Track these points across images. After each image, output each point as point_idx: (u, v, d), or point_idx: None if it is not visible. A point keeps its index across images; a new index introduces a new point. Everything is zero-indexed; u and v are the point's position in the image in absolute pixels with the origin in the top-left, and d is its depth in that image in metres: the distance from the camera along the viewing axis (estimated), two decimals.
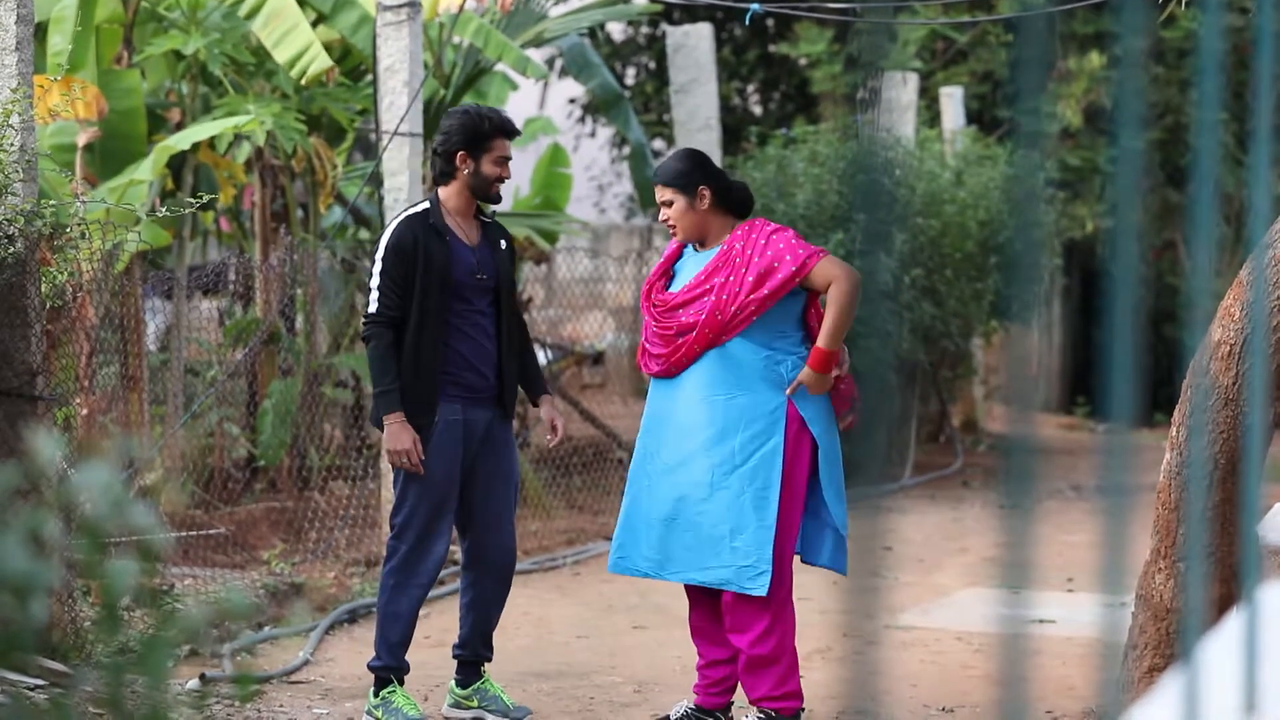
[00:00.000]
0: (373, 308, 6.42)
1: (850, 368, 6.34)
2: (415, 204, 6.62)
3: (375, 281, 6.43)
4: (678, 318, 6.30)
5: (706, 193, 6.32)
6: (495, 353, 6.54)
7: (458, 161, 6.49)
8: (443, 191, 6.55)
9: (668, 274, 6.47)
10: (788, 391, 6.21)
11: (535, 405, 6.81)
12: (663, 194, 6.36)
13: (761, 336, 6.24)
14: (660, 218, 6.42)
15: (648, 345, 6.43)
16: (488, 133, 6.48)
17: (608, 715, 6.80)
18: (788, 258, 6.18)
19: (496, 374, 6.54)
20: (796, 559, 6.39)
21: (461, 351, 6.46)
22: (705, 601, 6.42)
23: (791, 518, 6.23)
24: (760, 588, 6.17)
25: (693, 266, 6.39)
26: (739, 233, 6.31)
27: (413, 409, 6.39)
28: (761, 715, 6.31)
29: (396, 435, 6.36)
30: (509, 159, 6.56)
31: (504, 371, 6.55)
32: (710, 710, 6.47)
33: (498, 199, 6.58)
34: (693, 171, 6.35)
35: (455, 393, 6.46)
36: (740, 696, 6.49)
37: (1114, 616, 2.48)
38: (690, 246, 6.45)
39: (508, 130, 6.54)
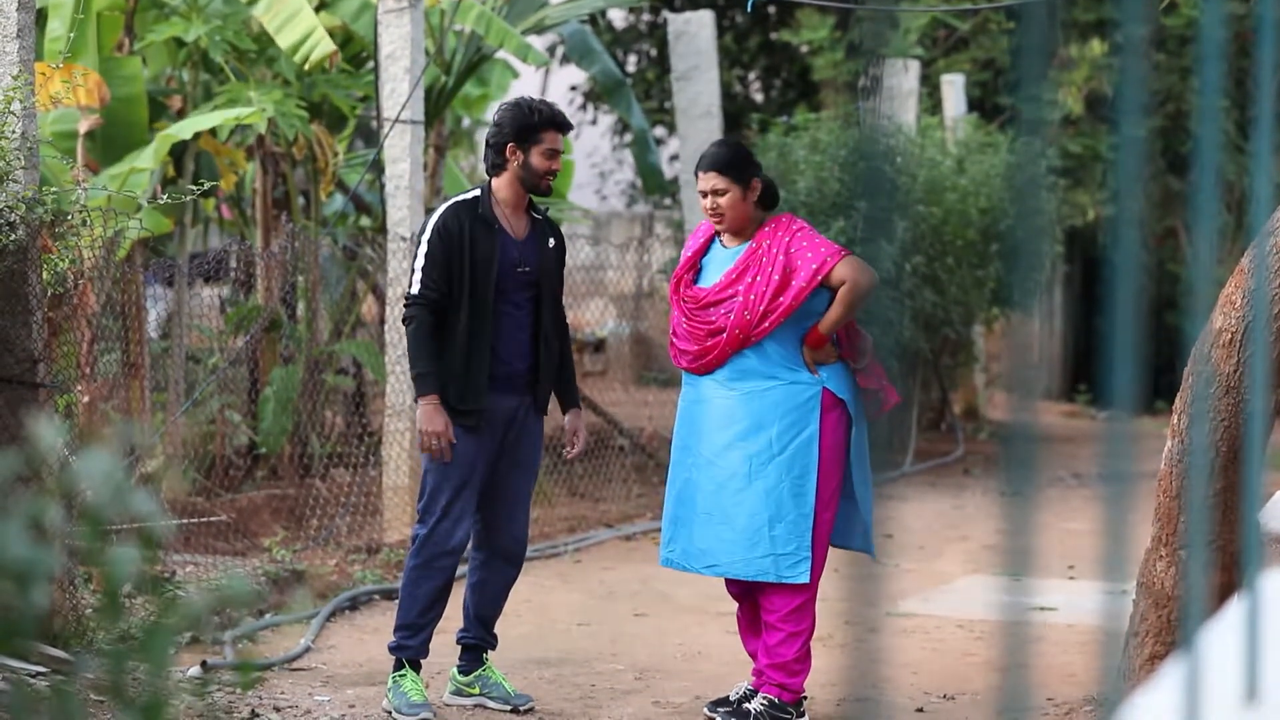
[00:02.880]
0: (415, 289, 6.45)
1: (869, 359, 6.37)
2: (465, 191, 6.64)
3: (419, 263, 6.46)
4: (708, 316, 6.31)
5: (759, 185, 6.33)
6: (529, 344, 6.55)
7: (508, 153, 6.51)
8: (494, 183, 6.57)
9: (695, 267, 6.47)
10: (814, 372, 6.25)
11: (563, 414, 6.82)
12: (714, 182, 6.31)
13: (792, 333, 6.27)
14: (707, 206, 6.35)
15: (676, 340, 6.44)
16: (537, 125, 6.49)
17: (609, 702, 6.81)
18: (809, 256, 6.20)
19: (530, 366, 6.56)
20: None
21: (492, 341, 6.48)
22: (747, 599, 6.44)
23: (829, 504, 6.25)
24: (801, 575, 6.22)
25: (721, 262, 6.39)
26: (767, 229, 6.32)
27: (463, 399, 6.43)
28: (764, 700, 6.32)
29: (430, 417, 6.39)
30: (559, 152, 6.56)
31: (539, 365, 6.56)
32: None
33: (548, 191, 6.58)
34: (747, 162, 6.35)
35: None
36: (808, 689, 6.46)
37: (1115, 604, 2.49)
38: (718, 240, 6.44)
39: (558, 123, 6.54)
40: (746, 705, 6.38)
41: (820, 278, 6.18)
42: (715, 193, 6.32)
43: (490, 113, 16.28)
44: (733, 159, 6.34)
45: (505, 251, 6.50)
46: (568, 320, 6.84)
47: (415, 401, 6.50)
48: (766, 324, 6.23)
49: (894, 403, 6.44)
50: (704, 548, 6.35)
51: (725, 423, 6.31)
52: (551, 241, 6.64)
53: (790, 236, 6.27)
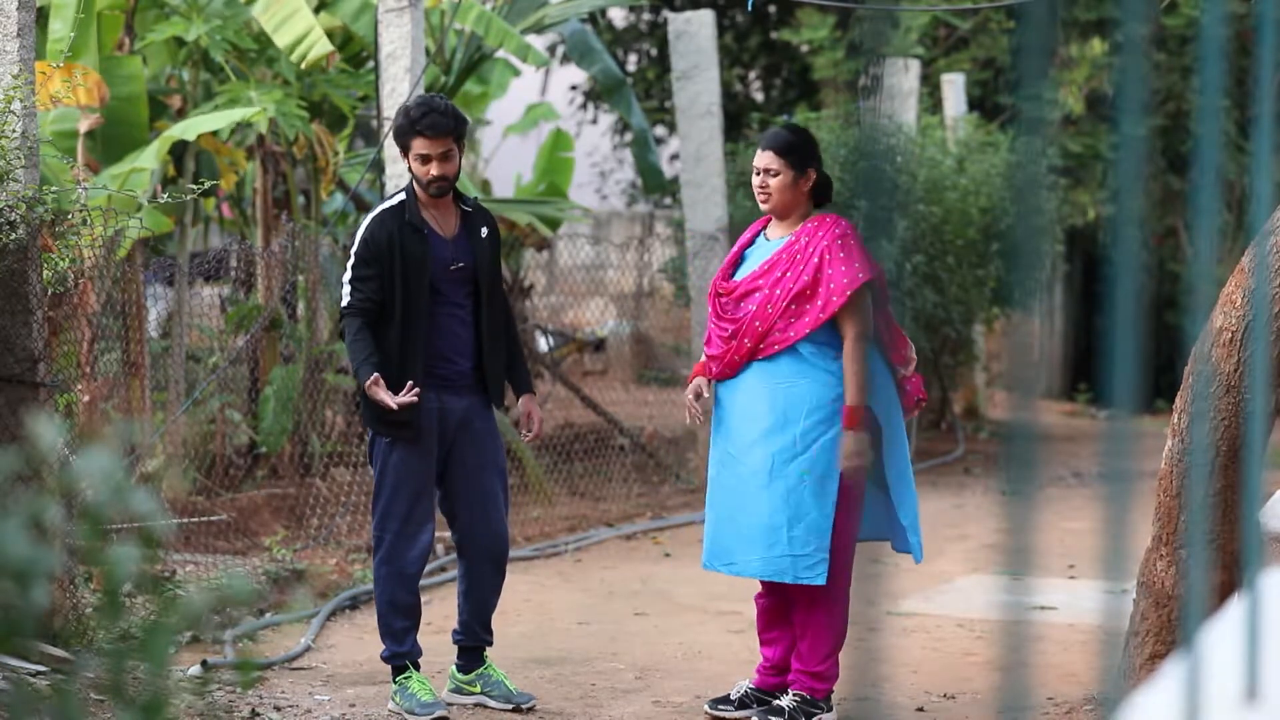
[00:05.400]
0: (345, 301, 6.38)
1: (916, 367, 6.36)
2: (390, 197, 6.56)
3: (348, 275, 6.39)
4: (736, 313, 6.27)
5: (814, 175, 6.28)
6: (473, 340, 6.49)
7: (404, 157, 6.50)
8: (414, 183, 6.52)
9: (737, 262, 6.42)
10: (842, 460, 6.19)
11: (516, 398, 6.75)
12: (768, 161, 6.27)
13: (826, 331, 6.21)
14: (757, 184, 6.30)
15: (707, 348, 6.40)
16: (405, 131, 6.40)
17: (609, 701, 6.81)
18: (833, 275, 6.12)
19: (475, 362, 6.51)
20: (887, 545, 6.41)
21: (434, 343, 6.42)
22: (774, 586, 6.41)
23: (854, 507, 6.23)
24: (818, 576, 6.16)
25: (762, 252, 6.33)
26: (811, 225, 6.25)
27: (401, 409, 6.33)
28: (796, 697, 6.30)
29: (374, 392, 6.25)
30: (430, 157, 6.38)
31: (485, 359, 6.50)
32: (768, 691, 6.47)
33: (440, 195, 6.44)
34: (808, 149, 6.30)
35: (429, 381, 6.40)
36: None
37: (1115, 603, 2.49)
38: (763, 234, 6.41)
39: (419, 129, 6.37)
40: (778, 702, 6.35)
41: (832, 312, 6.14)
42: (767, 172, 6.27)
43: (490, 112, 16.35)
44: (793, 143, 6.29)
45: (437, 253, 6.41)
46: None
47: (359, 393, 6.38)
48: (774, 340, 6.18)
49: (923, 402, 6.42)
50: (726, 546, 6.33)
51: (752, 418, 6.24)
52: (485, 231, 6.54)
53: (830, 240, 6.18)
